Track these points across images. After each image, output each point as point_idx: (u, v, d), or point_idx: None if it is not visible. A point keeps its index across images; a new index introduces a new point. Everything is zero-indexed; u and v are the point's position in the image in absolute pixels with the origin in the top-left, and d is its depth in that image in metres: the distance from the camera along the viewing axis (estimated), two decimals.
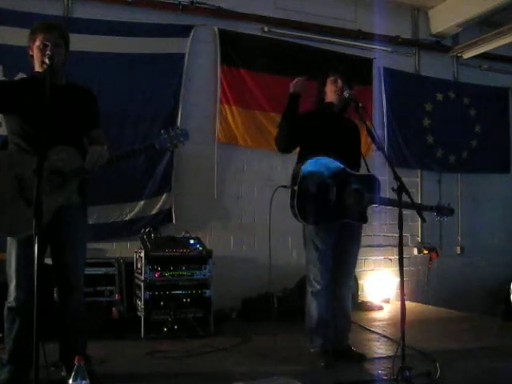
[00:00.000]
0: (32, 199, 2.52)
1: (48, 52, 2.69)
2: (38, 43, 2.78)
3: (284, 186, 3.35)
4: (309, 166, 3.26)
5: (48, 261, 2.91)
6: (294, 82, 3.44)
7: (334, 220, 3.33)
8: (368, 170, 3.54)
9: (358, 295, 5.64)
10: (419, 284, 6.13)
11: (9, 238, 2.77)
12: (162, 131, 2.95)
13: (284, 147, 3.48)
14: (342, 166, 3.34)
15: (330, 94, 3.49)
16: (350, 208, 3.33)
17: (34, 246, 2.06)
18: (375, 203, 3.48)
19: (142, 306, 4.15)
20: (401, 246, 2.94)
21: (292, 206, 3.27)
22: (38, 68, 2.82)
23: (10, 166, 2.71)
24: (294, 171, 3.35)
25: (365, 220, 3.48)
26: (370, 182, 3.43)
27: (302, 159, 3.41)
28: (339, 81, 3.43)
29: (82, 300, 3.00)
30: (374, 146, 3.50)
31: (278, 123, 3.51)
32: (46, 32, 2.78)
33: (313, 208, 3.27)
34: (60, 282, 2.93)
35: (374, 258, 6.13)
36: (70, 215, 2.79)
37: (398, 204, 2.99)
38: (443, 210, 3.60)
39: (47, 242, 2.77)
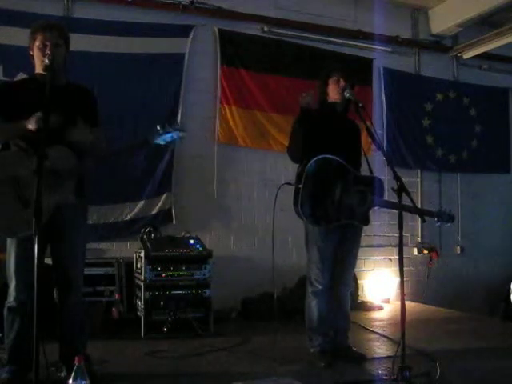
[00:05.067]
0: (28, 199, 2.52)
1: (48, 52, 2.70)
2: (37, 43, 2.78)
3: (289, 184, 3.35)
4: (314, 164, 3.25)
5: (48, 260, 2.91)
6: (302, 96, 3.36)
7: (337, 220, 3.32)
8: (370, 171, 3.54)
9: (358, 295, 5.64)
10: (419, 284, 6.13)
11: (8, 239, 2.77)
12: (158, 126, 2.88)
13: (299, 160, 3.43)
14: (347, 166, 3.34)
15: (333, 94, 3.48)
16: (353, 209, 3.33)
17: (33, 246, 2.06)
18: (377, 206, 3.48)
19: (142, 306, 4.15)
20: (401, 246, 2.94)
21: (295, 205, 3.27)
22: (38, 68, 2.82)
23: (4, 166, 2.70)
24: (299, 170, 3.35)
25: (367, 222, 3.48)
26: (374, 184, 3.43)
27: (304, 159, 3.40)
28: (341, 80, 3.43)
29: (82, 300, 3.00)
30: (373, 146, 3.49)
31: (290, 135, 3.45)
32: (45, 32, 2.78)
33: (316, 207, 3.27)
34: (59, 282, 2.93)
35: (373, 258, 6.13)
36: (68, 215, 2.79)
37: (400, 207, 2.98)
38: (443, 216, 3.59)
39: (46, 242, 2.77)
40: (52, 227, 2.67)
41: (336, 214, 3.30)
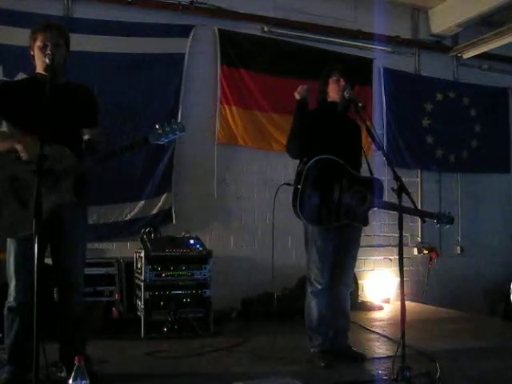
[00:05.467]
0: (27, 199, 2.51)
1: (48, 52, 2.70)
2: (38, 43, 2.78)
3: (288, 184, 3.35)
4: (313, 165, 3.25)
5: (48, 260, 2.90)
6: (298, 89, 3.38)
7: (336, 221, 3.32)
8: (370, 171, 3.53)
9: (358, 295, 5.64)
10: (419, 284, 6.12)
11: (8, 239, 2.76)
12: (157, 125, 2.81)
13: (297, 154, 3.44)
14: (346, 166, 3.33)
15: (333, 94, 3.48)
16: (352, 209, 3.33)
17: (33, 246, 2.06)
18: (377, 207, 3.47)
19: (142, 306, 4.15)
20: (401, 246, 2.94)
21: (294, 205, 3.27)
22: (39, 68, 2.83)
23: (4, 166, 2.69)
24: (299, 170, 3.34)
25: (366, 222, 3.48)
26: (374, 185, 3.43)
27: (304, 158, 3.40)
28: (342, 80, 3.42)
29: (82, 300, 3.00)
30: (373, 146, 3.49)
31: (289, 132, 3.45)
32: (45, 31, 2.78)
33: (315, 208, 3.27)
34: (59, 282, 2.93)
35: (373, 258, 6.13)
36: (67, 214, 2.78)
37: (400, 209, 2.98)
38: (443, 218, 3.57)
39: (46, 242, 2.76)
40: (52, 227, 2.66)
41: (335, 214, 3.30)
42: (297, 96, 3.38)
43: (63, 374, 2.82)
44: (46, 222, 2.49)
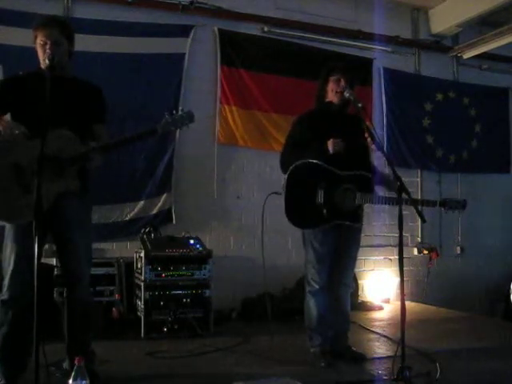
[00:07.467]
0: (29, 184, 2.47)
1: (48, 50, 2.70)
2: (38, 40, 2.78)
3: (276, 193, 3.37)
4: (293, 171, 3.28)
5: (47, 260, 2.89)
6: (335, 145, 3.28)
7: (324, 222, 3.30)
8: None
9: (358, 295, 5.64)
10: (419, 284, 6.13)
11: (6, 229, 2.71)
12: (166, 114, 2.85)
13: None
14: (329, 167, 3.30)
15: (331, 94, 3.46)
16: (341, 209, 3.30)
17: (31, 238, 2.05)
18: (372, 202, 3.43)
19: (142, 306, 4.16)
20: (401, 246, 2.94)
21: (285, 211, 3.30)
22: (42, 64, 2.83)
23: (6, 152, 2.67)
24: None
25: (358, 220, 3.43)
26: (363, 181, 3.37)
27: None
28: (342, 81, 3.39)
29: (88, 295, 2.95)
30: (374, 146, 3.48)
31: (289, 155, 3.41)
32: (45, 29, 2.78)
33: (300, 212, 3.30)
34: (65, 275, 2.87)
35: (373, 258, 6.13)
36: (70, 203, 2.73)
37: (399, 201, 2.97)
38: (451, 203, 3.34)
39: (47, 232, 2.69)
40: (53, 216, 2.62)
41: (324, 214, 3.28)
42: (331, 150, 3.28)
43: (64, 365, 2.83)
44: (47, 211, 2.45)
